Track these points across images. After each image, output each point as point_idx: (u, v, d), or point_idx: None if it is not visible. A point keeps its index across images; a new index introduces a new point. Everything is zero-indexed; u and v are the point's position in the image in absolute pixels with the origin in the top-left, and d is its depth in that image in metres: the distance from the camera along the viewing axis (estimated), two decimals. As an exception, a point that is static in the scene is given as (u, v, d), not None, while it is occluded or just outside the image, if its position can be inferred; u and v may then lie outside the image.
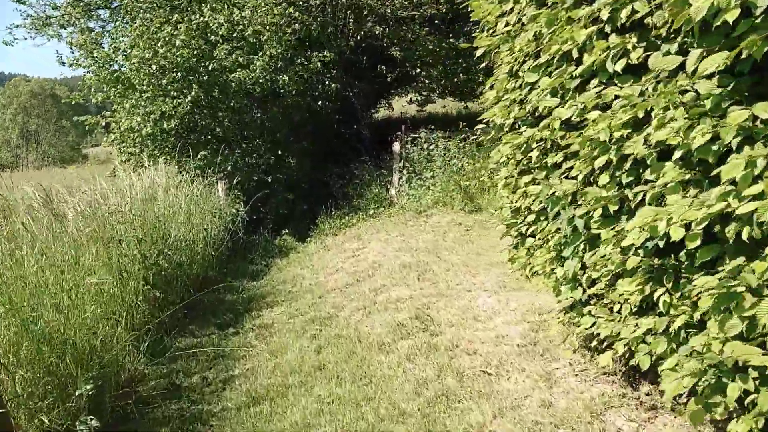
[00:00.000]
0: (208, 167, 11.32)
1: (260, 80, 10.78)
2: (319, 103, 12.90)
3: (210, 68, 10.50)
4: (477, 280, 6.60)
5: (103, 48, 11.40)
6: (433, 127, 11.87)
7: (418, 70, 12.58)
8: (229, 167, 11.11)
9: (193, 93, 10.44)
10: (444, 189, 10.51)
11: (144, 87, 10.79)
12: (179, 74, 10.63)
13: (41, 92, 46.55)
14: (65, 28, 12.93)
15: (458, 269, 7.06)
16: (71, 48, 13.20)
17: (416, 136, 11.44)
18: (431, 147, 11.37)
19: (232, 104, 11.17)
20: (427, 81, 13.18)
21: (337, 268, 7.99)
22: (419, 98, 20.32)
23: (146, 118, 10.82)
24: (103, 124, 11.73)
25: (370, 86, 13.86)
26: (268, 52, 10.71)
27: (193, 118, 10.97)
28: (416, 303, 6.09)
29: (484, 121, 5.22)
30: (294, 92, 11.33)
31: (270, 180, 11.64)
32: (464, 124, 11.21)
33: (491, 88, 5.10)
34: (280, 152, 12.20)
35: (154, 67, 10.77)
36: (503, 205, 4.65)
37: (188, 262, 7.12)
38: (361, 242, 9.43)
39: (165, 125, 10.64)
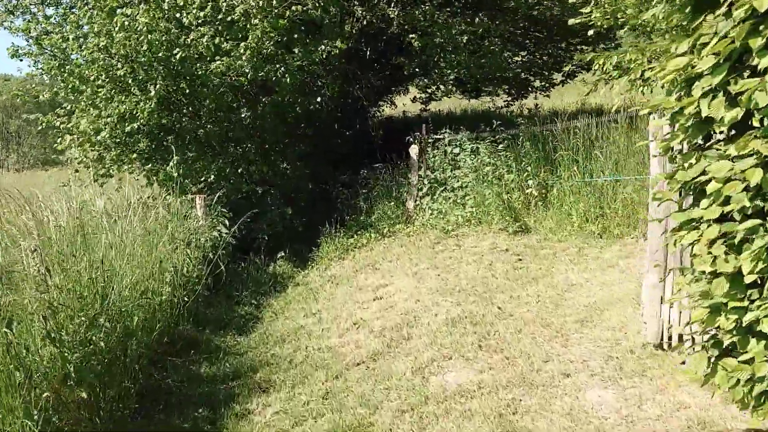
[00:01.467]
0: (184, 178, 8.98)
1: (246, 70, 8.45)
2: (319, 99, 10.58)
3: (179, 57, 8.15)
4: (573, 354, 4.32)
5: (54, 35, 9.00)
6: (455, 127, 9.61)
7: (438, 60, 10.27)
8: (212, 177, 8.76)
9: (157, 87, 8.07)
10: (478, 203, 8.22)
11: (101, 82, 8.43)
12: (142, 65, 8.27)
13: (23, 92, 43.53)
14: (13, 14, 10.45)
15: (536, 330, 4.77)
16: (26, 37, 10.74)
17: (439, 137, 9.19)
18: (455, 150, 9.11)
19: (209, 101, 8.82)
20: (449, 72, 10.86)
21: (356, 319, 5.66)
22: (423, 96, 18.03)
23: (99, 119, 8.44)
24: (57, 124, 9.33)
25: (379, 80, 11.53)
26: (258, 33, 8.38)
27: (160, 119, 8.60)
28: (493, 401, 3.78)
29: (641, 112, 2.95)
30: (290, 87, 9.03)
31: (261, 192, 9.33)
32: (498, 123, 8.94)
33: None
34: (273, 158, 9.88)
35: (114, 57, 8.41)
36: (720, 269, 2.38)
37: (146, 319, 4.78)
38: (379, 274, 7.11)
39: (126, 128, 8.28)
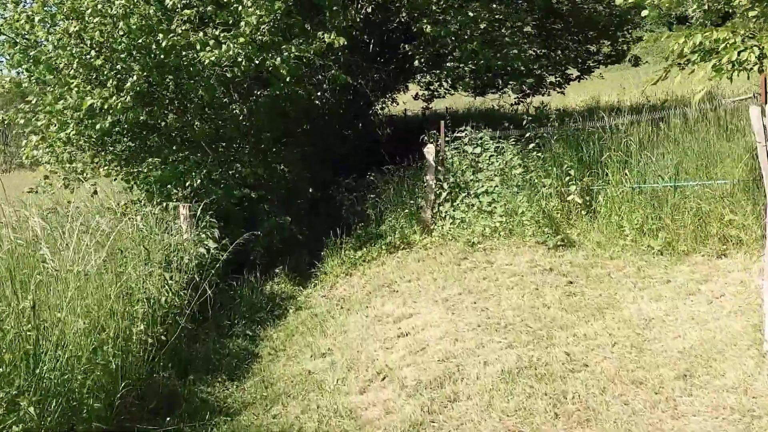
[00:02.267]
0: (166, 182, 7.67)
1: (240, 60, 7.18)
2: (319, 94, 9.33)
3: (164, 45, 6.86)
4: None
5: (17, 15, 7.65)
6: (473, 124, 8.36)
7: (452, 49, 9.01)
8: (198, 181, 7.46)
9: (134, 78, 6.76)
10: (509, 212, 6.99)
11: (72, 72, 7.13)
12: (119, 54, 6.97)
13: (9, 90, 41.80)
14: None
15: (625, 390, 3.53)
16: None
17: (458, 136, 7.94)
18: (476, 151, 7.87)
19: (198, 96, 7.51)
20: (463, 64, 9.58)
21: (380, 366, 4.36)
22: (425, 93, 16.78)
23: (65, 113, 7.12)
24: (20, 121, 7.99)
25: (386, 73, 10.26)
26: (253, 19, 7.12)
27: (138, 116, 7.30)
28: None
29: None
30: (288, 79, 7.76)
31: (256, 198, 8.05)
32: (529, 118, 7.70)
33: None
34: (269, 159, 8.61)
35: (88, 44, 7.11)
36: None
37: (103, 380, 3.51)
38: (399, 299, 5.85)
39: (98, 124, 6.97)
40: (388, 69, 10.24)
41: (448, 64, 10.10)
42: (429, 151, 7.92)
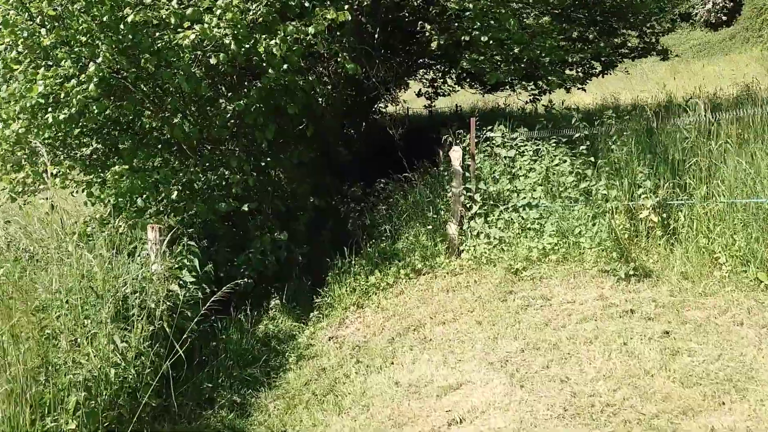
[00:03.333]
0: (139, 194, 6.13)
1: (227, 42, 5.68)
2: (320, 88, 7.82)
3: (131, 21, 5.34)
4: None
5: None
6: (506, 123, 6.89)
7: (481, 32, 7.49)
8: (176, 193, 5.92)
9: (99, 60, 5.24)
10: (563, 231, 5.53)
11: (16, 54, 5.59)
12: (77, 34, 5.45)
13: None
14: None
15: None
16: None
17: (490, 136, 6.45)
18: (510, 153, 6.40)
19: (175, 87, 5.97)
20: (493, 51, 8.01)
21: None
22: (428, 91, 15.28)
23: (7, 108, 5.60)
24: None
25: (397, 62, 8.71)
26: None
27: (104, 109, 5.80)
28: None
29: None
30: (286, 67, 6.27)
31: (247, 211, 6.54)
32: (579, 116, 6.22)
33: None
34: (264, 165, 7.10)
35: (37, 19, 5.58)
36: None
37: None
38: (436, 354, 4.35)
39: (50, 118, 5.44)
40: (399, 58, 8.70)
41: (468, 55, 8.60)
42: (455, 154, 6.42)
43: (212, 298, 4.04)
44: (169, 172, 6.21)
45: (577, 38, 11.90)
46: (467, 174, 6.48)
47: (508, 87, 13.97)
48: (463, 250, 6.19)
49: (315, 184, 7.76)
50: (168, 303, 4.44)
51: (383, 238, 6.86)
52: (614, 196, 5.35)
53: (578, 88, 12.65)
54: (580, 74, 11.93)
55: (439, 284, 5.80)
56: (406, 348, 4.57)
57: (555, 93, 13.94)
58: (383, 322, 5.37)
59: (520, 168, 6.39)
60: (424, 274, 6.11)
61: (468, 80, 15.39)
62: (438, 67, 14.17)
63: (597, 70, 11.89)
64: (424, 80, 15.24)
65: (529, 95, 13.45)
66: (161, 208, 6.06)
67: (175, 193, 5.86)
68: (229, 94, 6.85)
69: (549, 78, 8.89)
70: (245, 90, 6.63)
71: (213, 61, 6.03)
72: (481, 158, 6.66)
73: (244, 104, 6.13)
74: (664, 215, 5.16)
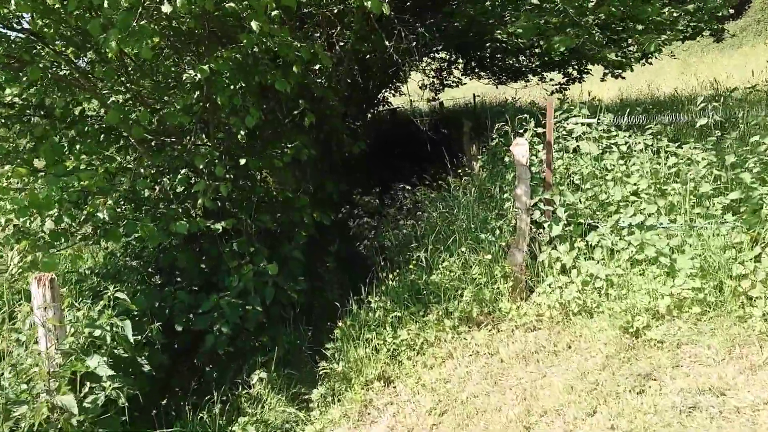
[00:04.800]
0: (48, 210, 3.94)
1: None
2: (321, 55, 5.70)
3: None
4: None
5: None
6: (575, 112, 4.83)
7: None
8: (108, 210, 3.76)
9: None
10: (711, 268, 3.48)
11: None
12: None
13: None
14: None
15: None
16: None
17: (571, 125, 4.39)
18: (589, 149, 4.34)
19: (108, 48, 3.82)
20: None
21: None
22: (434, 82, 13.16)
23: None
24: None
25: (418, 34, 6.54)
26: None
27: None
28: None
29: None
30: (273, 26, 4.15)
31: (220, 230, 4.37)
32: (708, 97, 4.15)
33: None
34: (244, 166, 4.93)
35: None
36: None
37: None
38: None
39: None
40: (421, 26, 6.52)
41: (504, 30, 6.49)
42: (520, 149, 4.30)
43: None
44: (104, 177, 4.03)
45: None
46: (536, 181, 4.39)
47: (531, 75, 11.91)
48: (538, 290, 4.11)
49: (315, 190, 5.63)
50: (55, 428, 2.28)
51: (412, 266, 4.75)
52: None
53: (615, 77, 10.60)
54: (622, 59, 9.84)
55: (510, 348, 3.72)
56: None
57: (572, 86, 11.99)
58: (430, 416, 3.27)
59: (613, 169, 4.32)
60: (481, 328, 4.03)
61: (477, 70, 13.37)
62: (444, 55, 12.11)
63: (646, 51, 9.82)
64: (428, 71, 13.14)
65: (556, 85, 11.41)
66: (85, 234, 3.88)
67: (108, 209, 3.68)
68: (194, 62, 4.69)
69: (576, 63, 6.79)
70: (217, 59, 4.45)
71: (166, 9, 3.86)
72: (561, 155, 4.58)
73: (210, 70, 3.96)
74: None
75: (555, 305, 3.88)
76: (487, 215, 4.67)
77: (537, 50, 6.85)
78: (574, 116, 4.52)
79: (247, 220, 4.55)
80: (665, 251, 3.60)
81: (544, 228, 4.26)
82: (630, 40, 8.38)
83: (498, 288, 4.21)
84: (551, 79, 11.86)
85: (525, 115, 4.67)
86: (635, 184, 4.12)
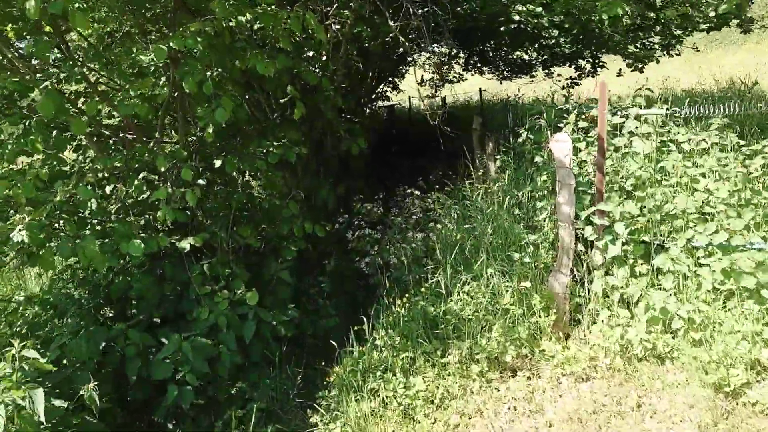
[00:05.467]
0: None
1: None
2: (316, 26, 4.80)
3: None
4: None
5: None
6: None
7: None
8: (24, 235, 2.83)
9: None
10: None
11: None
12: None
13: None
14: None
15: None
16: None
17: (627, 116, 3.52)
18: (638, 147, 3.47)
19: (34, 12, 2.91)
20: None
21: None
22: (434, 79, 12.22)
23: None
24: None
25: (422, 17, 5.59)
26: None
27: None
28: None
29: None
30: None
31: (187, 248, 3.48)
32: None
33: None
34: (219, 166, 4.00)
35: None
36: None
37: None
38: None
39: None
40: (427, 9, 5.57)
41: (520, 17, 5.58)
42: (561, 146, 3.38)
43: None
44: (33, 184, 3.09)
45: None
46: (573, 179, 3.48)
47: (541, 68, 11.01)
48: (587, 321, 3.21)
49: (306, 196, 4.69)
50: None
51: (424, 290, 3.83)
52: None
53: (633, 69, 9.69)
54: (657, 46, 8.91)
55: (559, 405, 2.84)
56: None
57: (581, 81, 11.10)
58: None
59: (680, 171, 3.42)
60: (517, 374, 3.13)
61: (479, 65, 12.48)
62: (445, 50, 11.18)
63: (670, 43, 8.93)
64: (426, 66, 12.22)
65: (569, 79, 10.50)
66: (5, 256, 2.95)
67: (26, 229, 2.74)
68: (157, 38, 3.76)
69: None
70: (184, 34, 3.51)
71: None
72: (620, 154, 3.66)
73: (172, 50, 3.03)
74: None
75: (613, 347, 2.98)
76: (517, 228, 3.76)
77: (566, 26, 5.91)
78: (627, 107, 3.61)
79: (221, 235, 3.62)
80: (765, 281, 2.70)
81: (592, 246, 3.36)
82: (657, 28, 7.51)
83: (536, 322, 3.31)
84: (558, 75, 10.96)
85: (565, 106, 3.78)
86: (708, 191, 3.23)
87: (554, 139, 3.42)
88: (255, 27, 3.79)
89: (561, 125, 3.85)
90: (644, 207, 3.32)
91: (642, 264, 3.11)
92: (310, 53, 5.11)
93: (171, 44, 3.07)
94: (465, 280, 3.65)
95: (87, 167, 3.51)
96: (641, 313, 2.93)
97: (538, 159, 3.99)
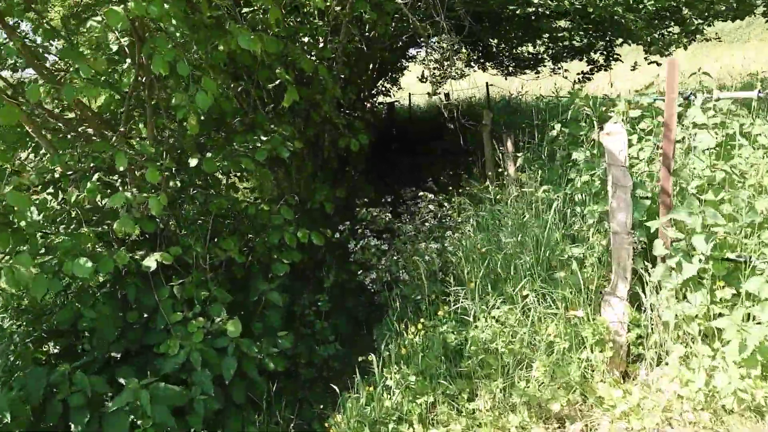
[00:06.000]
0: None
1: None
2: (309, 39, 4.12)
3: None
4: None
5: None
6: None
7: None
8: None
9: None
10: None
11: None
12: None
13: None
14: None
15: None
16: None
17: (710, 102, 2.87)
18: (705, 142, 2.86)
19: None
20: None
21: None
22: (435, 74, 11.51)
23: None
24: None
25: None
26: None
27: None
28: None
29: None
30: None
31: (152, 267, 2.81)
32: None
33: None
34: (196, 165, 3.33)
35: None
36: None
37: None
38: None
39: None
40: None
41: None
42: (615, 139, 2.70)
43: None
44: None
45: None
46: (630, 180, 2.81)
47: (548, 62, 10.33)
48: (645, 360, 2.53)
49: (302, 199, 3.99)
50: None
51: (442, 313, 3.14)
52: None
53: (650, 62, 9.01)
54: (674, 36, 8.23)
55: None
56: None
57: (592, 76, 10.44)
58: None
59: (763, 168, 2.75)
60: (566, 427, 2.45)
61: (483, 60, 11.79)
62: (446, 45, 10.50)
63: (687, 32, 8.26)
64: (427, 62, 11.49)
65: (580, 74, 9.82)
66: None
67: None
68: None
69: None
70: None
71: None
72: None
73: (128, 14, 2.34)
74: None
75: (695, 396, 2.31)
76: (557, 239, 3.07)
77: (589, 9, 5.28)
78: (696, 92, 2.93)
79: (197, 250, 2.92)
80: None
81: (654, 263, 2.69)
82: (684, 11, 6.85)
83: (588, 359, 2.63)
84: (566, 70, 10.28)
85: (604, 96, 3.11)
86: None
87: (606, 130, 2.74)
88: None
89: (611, 114, 3.16)
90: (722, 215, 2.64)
91: (724, 287, 2.43)
92: (306, 39, 4.46)
93: (129, 5, 2.37)
94: (494, 304, 2.97)
95: (31, 167, 2.81)
96: (734, 353, 2.25)
97: (577, 156, 3.31)
